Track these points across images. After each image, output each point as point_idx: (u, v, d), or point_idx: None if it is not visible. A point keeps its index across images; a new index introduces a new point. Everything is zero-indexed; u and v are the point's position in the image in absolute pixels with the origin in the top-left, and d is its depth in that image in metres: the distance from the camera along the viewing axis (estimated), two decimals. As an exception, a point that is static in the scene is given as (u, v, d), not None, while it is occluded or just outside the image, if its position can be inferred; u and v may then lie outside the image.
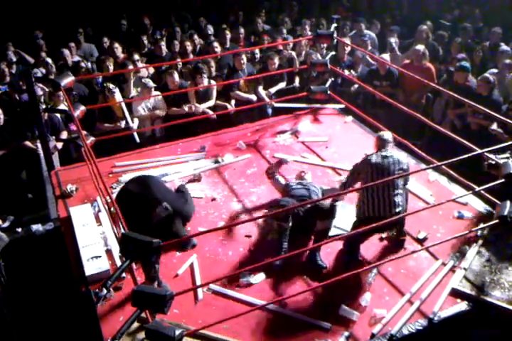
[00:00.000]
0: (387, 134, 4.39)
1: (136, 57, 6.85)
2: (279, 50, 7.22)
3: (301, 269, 4.01)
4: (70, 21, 8.61)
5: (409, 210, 4.11)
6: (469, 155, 3.72)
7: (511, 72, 6.36)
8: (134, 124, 6.27)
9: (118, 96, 6.25)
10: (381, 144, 4.27)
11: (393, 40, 7.20)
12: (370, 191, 3.92)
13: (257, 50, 7.19)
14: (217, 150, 5.74)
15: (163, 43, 7.38)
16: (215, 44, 7.27)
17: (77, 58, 7.35)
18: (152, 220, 3.96)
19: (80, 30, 8.11)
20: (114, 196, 4.07)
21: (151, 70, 7.08)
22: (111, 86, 6.19)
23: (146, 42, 7.66)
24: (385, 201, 3.88)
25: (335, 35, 6.05)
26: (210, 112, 6.46)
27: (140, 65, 6.84)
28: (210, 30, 8.37)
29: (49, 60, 6.78)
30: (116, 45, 7.24)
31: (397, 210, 3.88)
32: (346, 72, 6.86)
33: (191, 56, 7.27)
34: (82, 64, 6.90)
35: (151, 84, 6.31)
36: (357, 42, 7.27)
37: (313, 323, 3.56)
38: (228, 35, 7.77)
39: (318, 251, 4.05)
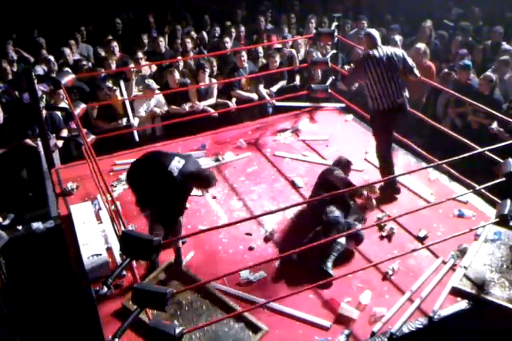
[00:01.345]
0: (374, 31, 4.62)
1: (140, 55, 6.84)
2: (279, 48, 7.20)
3: (302, 268, 4.02)
4: (69, 20, 8.58)
5: (410, 209, 4.10)
6: (470, 154, 3.72)
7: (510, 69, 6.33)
8: (135, 122, 6.27)
9: (120, 94, 6.25)
10: (373, 41, 4.53)
11: (398, 38, 7.17)
12: (379, 86, 4.48)
13: (260, 49, 7.17)
14: (217, 148, 5.73)
15: (161, 39, 7.36)
16: (227, 39, 7.26)
17: (77, 56, 7.33)
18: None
19: (81, 29, 8.10)
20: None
21: (153, 68, 7.05)
22: (109, 85, 6.19)
23: (146, 41, 7.63)
24: (394, 93, 4.50)
25: (335, 33, 6.04)
26: (211, 110, 6.45)
27: (143, 63, 6.84)
28: (216, 29, 8.35)
29: (51, 58, 6.75)
30: (115, 43, 7.23)
31: (401, 99, 4.54)
32: (346, 68, 6.81)
33: (191, 54, 7.26)
34: (83, 62, 6.89)
35: (154, 85, 6.29)
36: (353, 40, 7.22)
37: (314, 321, 3.57)
38: (233, 32, 7.76)
39: (330, 258, 4.03)
